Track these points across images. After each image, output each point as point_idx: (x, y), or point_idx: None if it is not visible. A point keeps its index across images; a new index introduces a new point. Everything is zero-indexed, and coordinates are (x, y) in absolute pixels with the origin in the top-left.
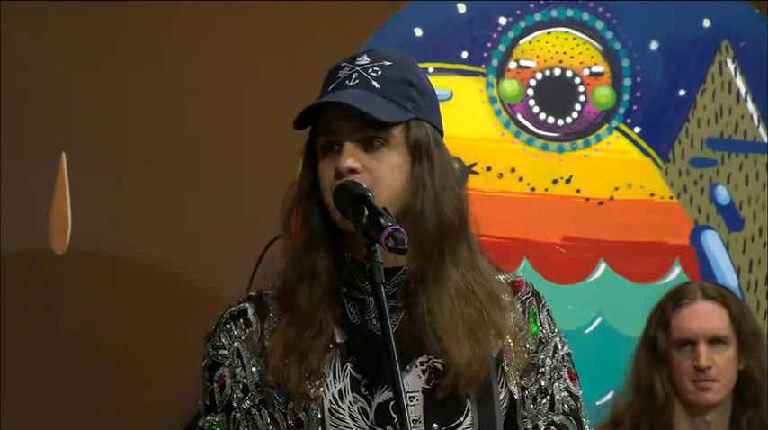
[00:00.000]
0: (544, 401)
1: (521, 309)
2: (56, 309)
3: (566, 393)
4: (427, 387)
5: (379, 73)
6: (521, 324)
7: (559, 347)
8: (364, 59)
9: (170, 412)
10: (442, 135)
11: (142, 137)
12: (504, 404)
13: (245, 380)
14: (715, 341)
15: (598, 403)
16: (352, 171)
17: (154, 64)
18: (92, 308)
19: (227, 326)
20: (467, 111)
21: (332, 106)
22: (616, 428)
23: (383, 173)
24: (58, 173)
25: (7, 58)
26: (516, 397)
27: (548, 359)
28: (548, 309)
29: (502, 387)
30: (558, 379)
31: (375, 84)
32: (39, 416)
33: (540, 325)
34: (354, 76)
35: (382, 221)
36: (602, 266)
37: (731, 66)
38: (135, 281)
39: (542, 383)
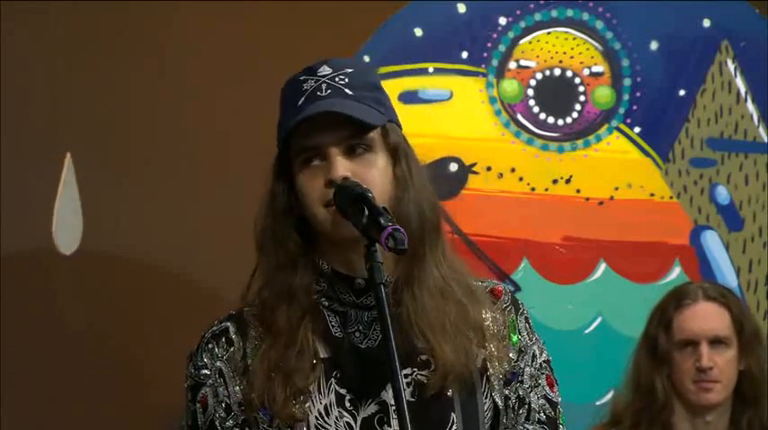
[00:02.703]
0: (521, 411)
1: (500, 319)
2: (56, 309)
3: (543, 400)
4: (412, 400)
5: (346, 80)
6: (502, 333)
7: (537, 355)
8: (326, 70)
9: (170, 412)
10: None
11: (142, 137)
12: (489, 415)
13: (227, 400)
14: (716, 342)
15: (598, 403)
16: (345, 179)
17: (154, 64)
18: (92, 308)
19: (209, 345)
20: (467, 111)
21: (308, 119)
22: (616, 427)
23: (373, 177)
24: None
25: (7, 58)
26: (500, 407)
27: (527, 368)
28: (526, 317)
29: (486, 397)
30: (535, 387)
31: (348, 91)
32: (39, 416)
33: (519, 333)
34: (324, 86)
35: (382, 221)
36: (602, 266)
37: (731, 66)
38: (135, 281)
39: (520, 393)
